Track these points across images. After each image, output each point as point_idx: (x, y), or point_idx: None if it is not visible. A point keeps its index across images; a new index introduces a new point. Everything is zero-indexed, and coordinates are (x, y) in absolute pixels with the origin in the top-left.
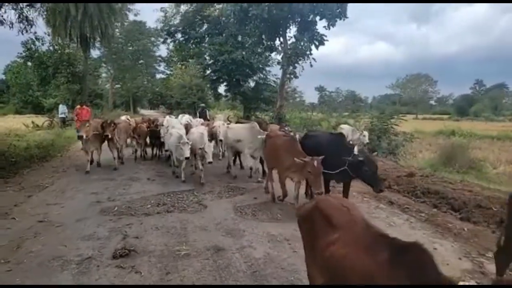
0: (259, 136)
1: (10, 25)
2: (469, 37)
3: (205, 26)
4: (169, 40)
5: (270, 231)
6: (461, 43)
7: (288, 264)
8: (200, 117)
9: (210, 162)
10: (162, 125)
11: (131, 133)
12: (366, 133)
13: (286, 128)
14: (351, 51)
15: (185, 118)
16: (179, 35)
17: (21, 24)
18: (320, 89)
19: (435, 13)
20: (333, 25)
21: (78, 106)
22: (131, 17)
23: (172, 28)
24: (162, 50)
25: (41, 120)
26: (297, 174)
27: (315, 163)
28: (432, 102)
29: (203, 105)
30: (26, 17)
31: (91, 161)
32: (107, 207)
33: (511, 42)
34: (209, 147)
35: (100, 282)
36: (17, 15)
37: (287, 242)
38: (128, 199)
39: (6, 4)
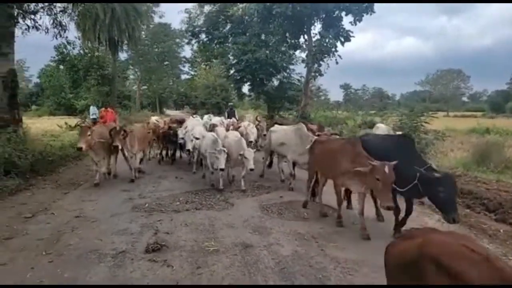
0: (306, 138)
1: (46, 31)
2: (506, 29)
3: (229, 25)
4: (193, 41)
5: (297, 229)
6: (496, 36)
7: (316, 262)
8: (229, 117)
9: (251, 169)
10: (180, 127)
11: (150, 139)
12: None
13: (328, 129)
14: (378, 47)
15: (216, 119)
16: (203, 36)
17: (55, 29)
18: (346, 86)
19: (468, 4)
20: (360, 21)
21: (103, 109)
22: (156, 19)
23: (196, 29)
24: (187, 51)
25: (73, 121)
26: (358, 183)
27: (386, 168)
28: (465, 98)
29: (231, 104)
30: (60, 22)
31: (109, 172)
32: (139, 203)
33: None
34: (250, 153)
35: (134, 274)
36: (52, 20)
37: (314, 241)
38: (158, 196)
39: (42, 11)
